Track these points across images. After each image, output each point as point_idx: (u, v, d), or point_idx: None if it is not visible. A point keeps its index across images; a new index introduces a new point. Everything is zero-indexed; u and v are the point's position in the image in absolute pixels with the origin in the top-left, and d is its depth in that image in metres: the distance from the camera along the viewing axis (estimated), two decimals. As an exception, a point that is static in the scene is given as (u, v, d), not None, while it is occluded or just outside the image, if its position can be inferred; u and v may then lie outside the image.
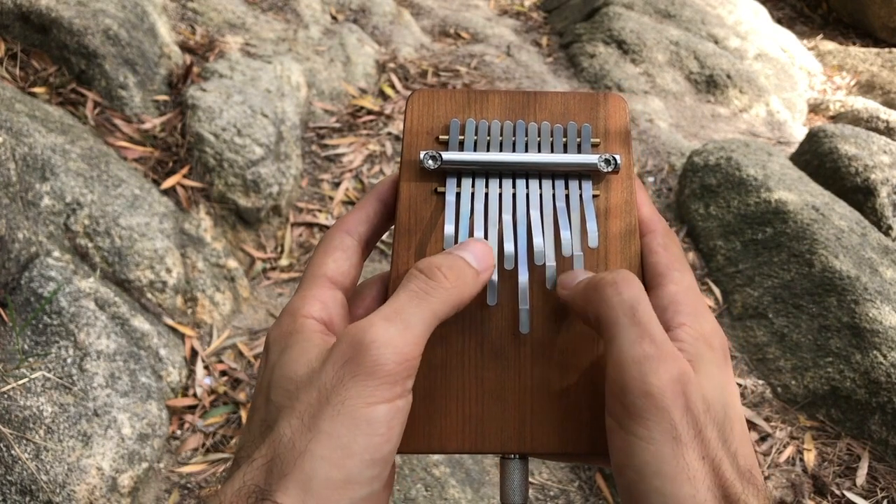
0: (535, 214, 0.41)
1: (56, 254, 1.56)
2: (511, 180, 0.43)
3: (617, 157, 0.42)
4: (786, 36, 4.07)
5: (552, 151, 0.43)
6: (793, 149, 2.79)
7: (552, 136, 0.44)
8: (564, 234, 0.40)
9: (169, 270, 1.73)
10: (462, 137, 0.43)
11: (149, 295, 1.69)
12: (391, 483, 0.38)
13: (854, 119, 3.25)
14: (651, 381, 0.33)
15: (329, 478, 0.31)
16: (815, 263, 1.85)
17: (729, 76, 3.28)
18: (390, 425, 0.32)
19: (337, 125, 2.58)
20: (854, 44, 4.40)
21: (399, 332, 0.33)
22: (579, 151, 0.43)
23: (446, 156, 0.42)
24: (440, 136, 0.43)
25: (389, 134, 2.57)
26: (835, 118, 3.40)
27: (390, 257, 0.42)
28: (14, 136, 1.60)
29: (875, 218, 2.26)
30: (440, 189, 0.42)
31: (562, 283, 0.40)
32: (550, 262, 0.40)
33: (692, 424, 0.33)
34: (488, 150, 0.43)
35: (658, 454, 0.32)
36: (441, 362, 0.40)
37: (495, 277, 0.40)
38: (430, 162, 0.42)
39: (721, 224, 2.14)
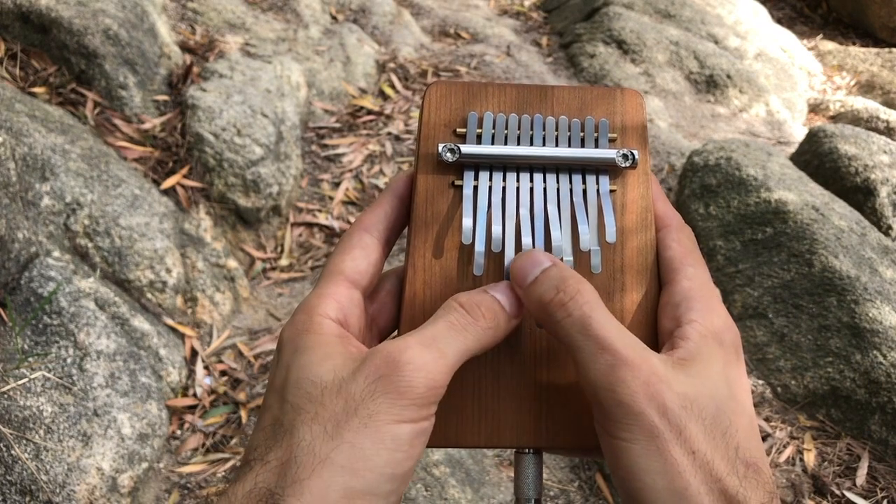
0: (552, 209, 0.41)
1: (56, 254, 1.56)
2: (528, 174, 0.43)
3: (635, 152, 0.43)
4: (786, 36, 4.07)
5: (570, 146, 0.43)
6: (793, 149, 2.79)
7: (570, 130, 0.43)
8: (582, 229, 0.40)
9: (169, 270, 1.73)
10: (480, 130, 0.43)
11: (149, 295, 1.69)
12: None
13: (854, 119, 3.24)
14: (620, 390, 0.34)
15: (348, 487, 0.31)
16: (815, 263, 1.85)
17: (729, 76, 3.28)
18: (413, 444, 0.33)
19: (337, 125, 2.58)
20: (854, 44, 4.40)
21: (434, 358, 0.34)
22: (597, 146, 0.43)
23: (465, 149, 0.41)
24: (457, 129, 0.43)
25: (389, 134, 2.57)
26: (835, 118, 3.40)
27: (406, 250, 0.42)
28: (14, 136, 1.60)
29: (875, 218, 2.26)
30: (457, 182, 0.42)
31: (515, 277, 0.38)
32: (568, 257, 0.40)
33: (673, 422, 0.33)
34: (506, 144, 0.43)
35: (644, 454, 0.33)
36: None
37: None
38: (449, 155, 0.41)
39: (721, 224, 2.14)
